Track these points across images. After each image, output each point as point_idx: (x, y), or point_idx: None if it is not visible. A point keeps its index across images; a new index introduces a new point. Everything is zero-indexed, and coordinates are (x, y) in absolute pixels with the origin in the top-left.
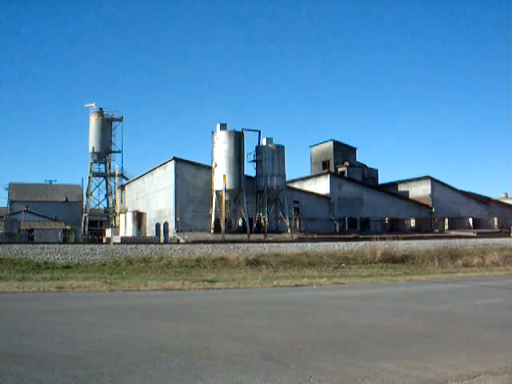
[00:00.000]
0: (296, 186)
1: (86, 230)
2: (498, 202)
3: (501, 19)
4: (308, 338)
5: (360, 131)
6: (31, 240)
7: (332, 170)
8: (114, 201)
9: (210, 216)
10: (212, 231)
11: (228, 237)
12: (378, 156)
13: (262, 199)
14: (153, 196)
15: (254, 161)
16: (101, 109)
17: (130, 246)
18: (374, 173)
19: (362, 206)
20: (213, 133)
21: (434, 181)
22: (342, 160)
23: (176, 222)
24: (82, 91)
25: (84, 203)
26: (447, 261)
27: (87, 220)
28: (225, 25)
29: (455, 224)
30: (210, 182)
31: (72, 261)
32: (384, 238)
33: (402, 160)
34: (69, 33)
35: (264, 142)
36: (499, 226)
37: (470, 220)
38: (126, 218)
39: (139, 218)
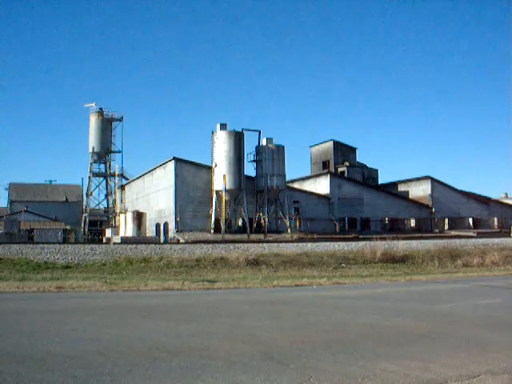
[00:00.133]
0: (296, 185)
1: (86, 229)
2: (498, 202)
3: (501, 19)
4: (308, 337)
5: (360, 131)
6: (31, 240)
7: (332, 170)
8: (114, 201)
9: (210, 216)
10: (212, 231)
11: (228, 237)
12: (378, 156)
13: (261, 199)
14: (153, 196)
15: (253, 161)
16: (101, 109)
17: (129, 246)
18: (374, 173)
19: (362, 206)
20: (213, 133)
21: (434, 181)
22: (341, 160)
23: (176, 221)
24: (82, 91)
25: (84, 203)
26: (447, 261)
27: (87, 220)
28: (225, 25)
29: (455, 224)
30: (210, 182)
31: (72, 261)
32: (384, 238)
33: (402, 160)
34: (69, 33)
35: (264, 142)
36: (499, 226)
37: (470, 220)
38: (125, 218)
39: (139, 218)
